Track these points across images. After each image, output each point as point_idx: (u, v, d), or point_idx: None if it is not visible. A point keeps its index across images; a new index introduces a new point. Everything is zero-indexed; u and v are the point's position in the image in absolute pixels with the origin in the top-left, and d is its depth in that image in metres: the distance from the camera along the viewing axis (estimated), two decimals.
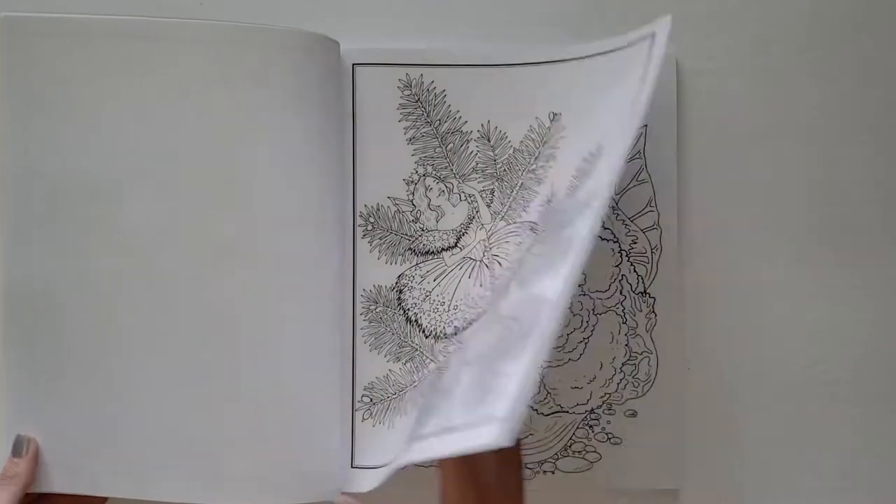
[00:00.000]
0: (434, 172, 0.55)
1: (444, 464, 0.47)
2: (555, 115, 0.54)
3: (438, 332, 0.55)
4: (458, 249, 0.55)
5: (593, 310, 0.55)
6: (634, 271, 0.56)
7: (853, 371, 0.57)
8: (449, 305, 0.54)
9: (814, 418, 0.57)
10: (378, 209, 0.55)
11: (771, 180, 0.57)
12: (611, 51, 0.55)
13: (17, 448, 0.50)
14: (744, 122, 0.57)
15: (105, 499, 0.52)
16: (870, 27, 0.57)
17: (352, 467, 0.54)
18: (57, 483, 0.50)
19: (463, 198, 0.55)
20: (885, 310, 0.57)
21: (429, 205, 0.55)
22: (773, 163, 0.57)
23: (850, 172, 0.57)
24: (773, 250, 0.57)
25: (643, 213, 0.56)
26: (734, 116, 0.57)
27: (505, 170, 0.55)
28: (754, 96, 0.57)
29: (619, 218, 0.56)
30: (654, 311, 0.56)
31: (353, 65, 0.54)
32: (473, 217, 0.55)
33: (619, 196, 0.56)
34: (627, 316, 0.56)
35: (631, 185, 0.56)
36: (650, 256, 0.56)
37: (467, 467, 0.46)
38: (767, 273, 0.57)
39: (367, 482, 0.53)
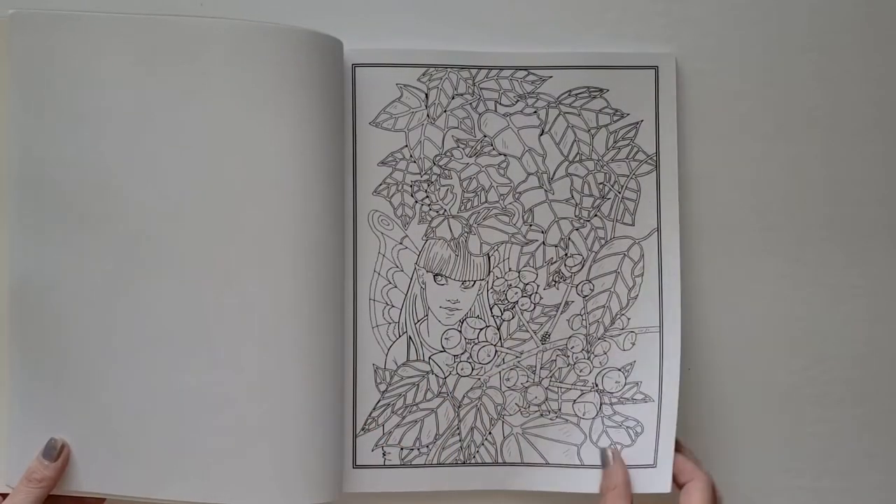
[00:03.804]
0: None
1: None
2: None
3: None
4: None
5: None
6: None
7: (853, 371, 0.57)
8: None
9: (814, 418, 0.57)
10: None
11: (771, 180, 0.57)
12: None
13: (49, 451, 0.49)
14: (744, 122, 0.57)
15: (103, 500, 0.52)
16: (870, 27, 0.57)
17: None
18: (60, 484, 0.50)
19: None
20: (885, 310, 0.57)
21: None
22: (773, 163, 0.57)
23: (851, 172, 0.57)
24: (773, 250, 0.57)
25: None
26: (734, 116, 0.57)
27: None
28: (754, 96, 0.57)
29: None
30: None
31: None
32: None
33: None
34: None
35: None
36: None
37: None
38: (767, 273, 0.57)
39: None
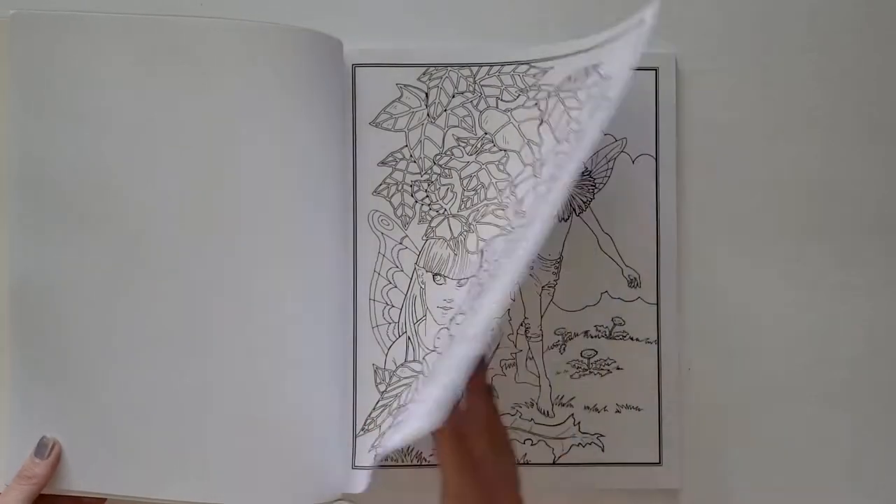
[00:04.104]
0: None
1: (441, 455, 0.47)
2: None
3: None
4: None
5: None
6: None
7: (852, 371, 0.57)
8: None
9: (814, 418, 0.57)
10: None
11: (771, 180, 0.57)
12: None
13: (41, 449, 0.49)
14: (744, 122, 0.57)
15: (104, 500, 0.52)
16: (870, 27, 0.57)
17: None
18: (59, 484, 0.50)
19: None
20: (885, 310, 0.57)
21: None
22: (773, 163, 0.57)
23: (850, 172, 0.57)
24: (773, 250, 0.57)
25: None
26: (734, 116, 0.57)
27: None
28: (754, 96, 0.57)
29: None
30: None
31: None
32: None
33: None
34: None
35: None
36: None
37: (465, 457, 0.47)
38: (767, 273, 0.57)
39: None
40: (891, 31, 0.57)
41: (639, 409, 0.56)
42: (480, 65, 0.55)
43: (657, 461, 0.55)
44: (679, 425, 0.56)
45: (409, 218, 0.55)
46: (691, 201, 0.57)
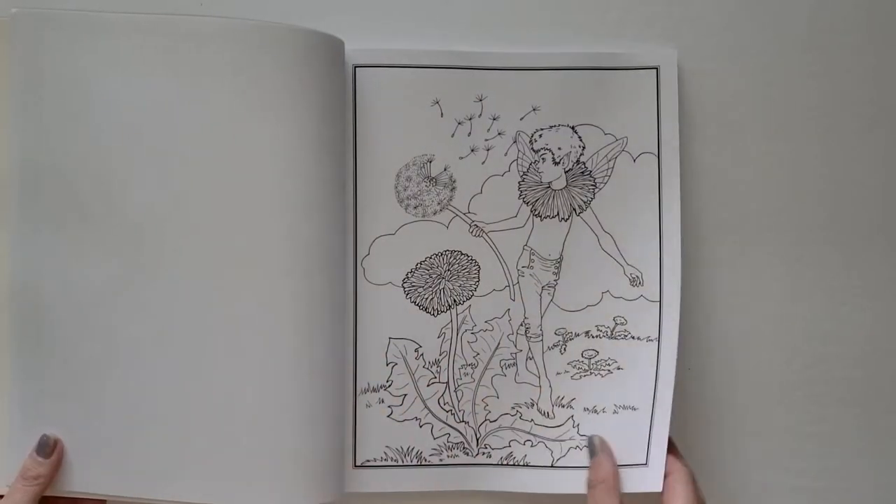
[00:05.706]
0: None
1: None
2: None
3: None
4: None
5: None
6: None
7: (853, 371, 0.57)
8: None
9: (814, 418, 0.57)
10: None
11: (771, 180, 0.57)
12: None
13: (43, 448, 0.49)
14: (744, 122, 0.57)
15: (103, 501, 0.52)
16: (870, 27, 0.57)
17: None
18: (58, 484, 0.50)
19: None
20: (885, 310, 0.57)
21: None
22: (773, 163, 0.57)
23: (850, 172, 0.57)
24: (773, 250, 0.57)
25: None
26: (734, 116, 0.57)
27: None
28: (754, 96, 0.57)
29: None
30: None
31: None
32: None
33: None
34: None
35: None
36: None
37: None
38: (767, 273, 0.57)
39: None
40: (891, 30, 0.57)
41: (634, 409, 0.55)
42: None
43: (643, 462, 0.55)
44: (679, 425, 0.56)
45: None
46: (693, 200, 0.57)
